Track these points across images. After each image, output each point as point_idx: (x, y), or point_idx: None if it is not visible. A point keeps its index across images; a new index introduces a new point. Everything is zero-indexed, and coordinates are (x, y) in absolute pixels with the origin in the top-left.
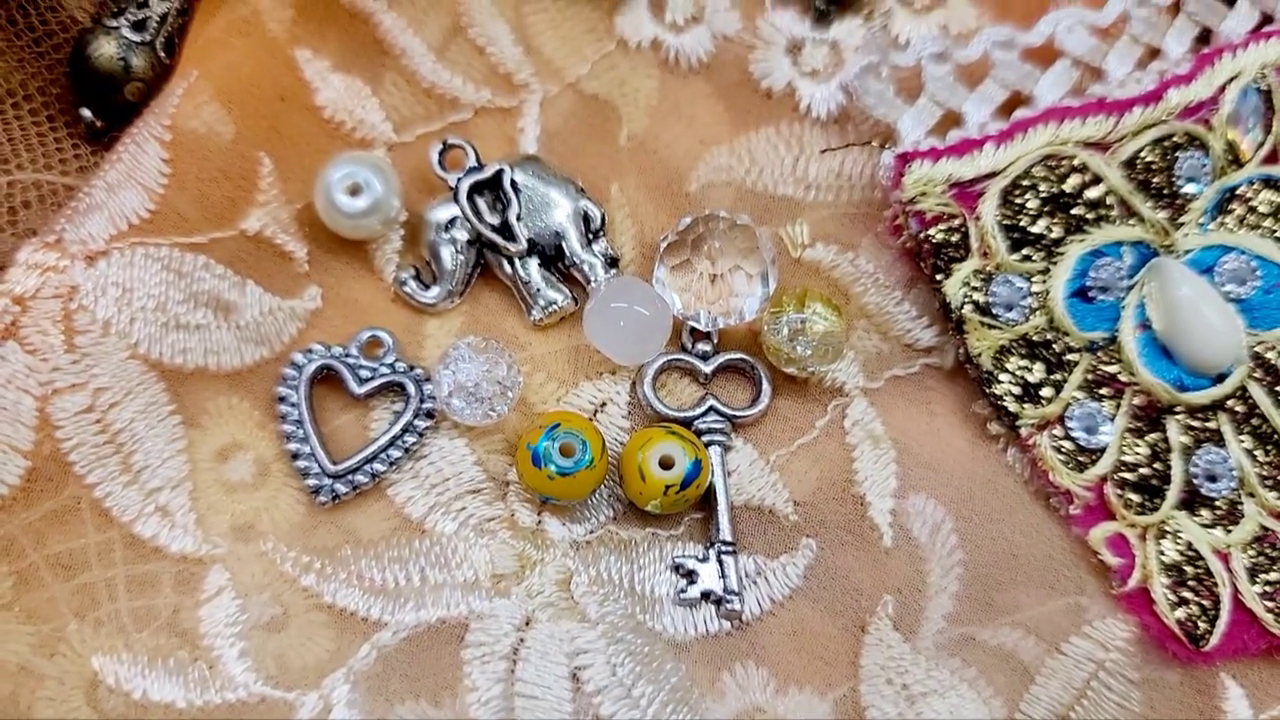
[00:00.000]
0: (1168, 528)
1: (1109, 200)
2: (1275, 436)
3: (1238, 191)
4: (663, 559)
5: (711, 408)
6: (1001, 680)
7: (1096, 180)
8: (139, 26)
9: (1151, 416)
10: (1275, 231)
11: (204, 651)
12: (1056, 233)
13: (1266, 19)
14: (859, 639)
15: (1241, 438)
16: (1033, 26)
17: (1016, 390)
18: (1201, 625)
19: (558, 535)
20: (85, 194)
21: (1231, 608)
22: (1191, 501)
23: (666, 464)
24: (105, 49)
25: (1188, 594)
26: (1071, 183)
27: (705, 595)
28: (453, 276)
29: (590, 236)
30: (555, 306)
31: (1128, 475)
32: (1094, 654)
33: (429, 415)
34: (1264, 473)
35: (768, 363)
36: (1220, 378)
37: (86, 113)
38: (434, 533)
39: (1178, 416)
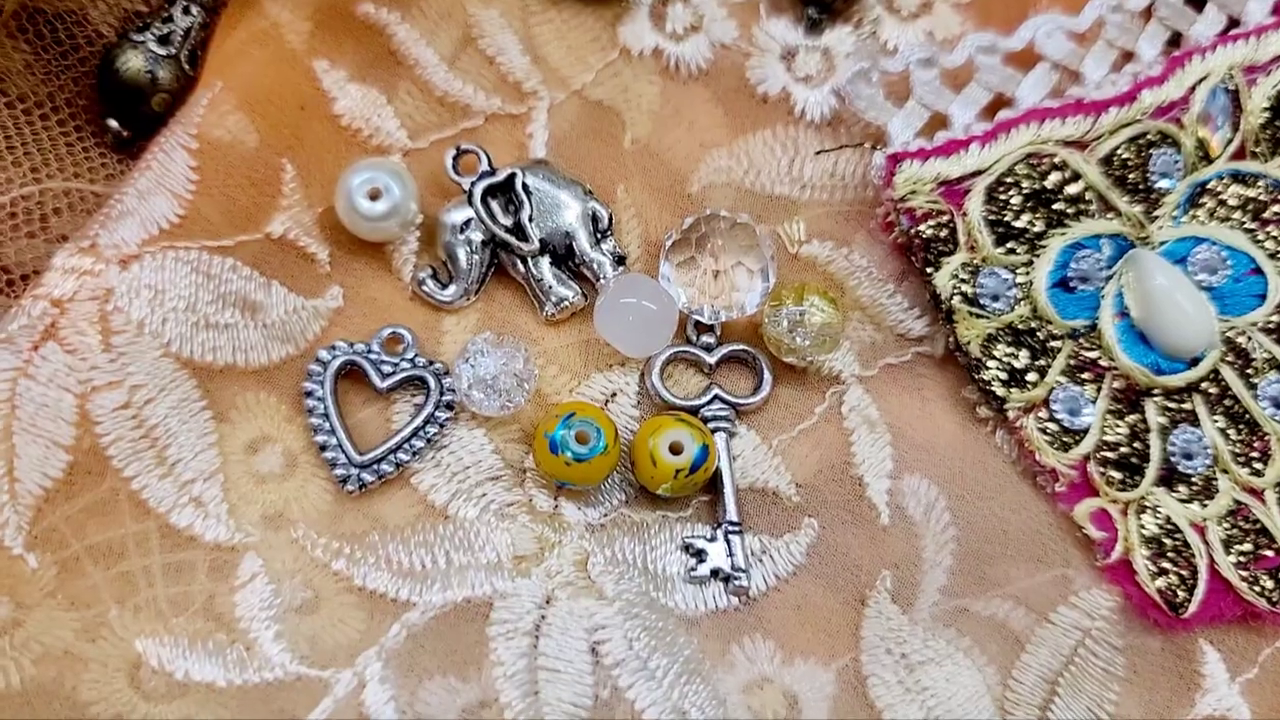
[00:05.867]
0: (1147, 503)
1: (1088, 195)
2: (1246, 416)
3: (1208, 186)
4: (673, 539)
5: (716, 396)
6: (994, 649)
7: (1076, 177)
8: (164, 40)
9: (1131, 399)
10: (1244, 223)
11: (240, 634)
12: (1039, 227)
13: (1233, 23)
14: (859, 612)
15: (1215, 418)
16: (1014, 32)
17: (1003, 376)
18: (1180, 594)
19: (574, 518)
20: (117, 200)
21: (1208, 577)
22: (1169, 478)
23: (676, 449)
24: (133, 62)
25: (1167, 565)
26: (1052, 179)
27: (714, 573)
28: (468, 275)
29: (598, 236)
30: (567, 303)
31: (1109, 454)
32: (1080, 622)
33: (449, 407)
34: (1236, 450)
35: (768, 353)
36: (1194, 361)
37: (114, 123)
38: (457, 518)
39: (1155, 398)
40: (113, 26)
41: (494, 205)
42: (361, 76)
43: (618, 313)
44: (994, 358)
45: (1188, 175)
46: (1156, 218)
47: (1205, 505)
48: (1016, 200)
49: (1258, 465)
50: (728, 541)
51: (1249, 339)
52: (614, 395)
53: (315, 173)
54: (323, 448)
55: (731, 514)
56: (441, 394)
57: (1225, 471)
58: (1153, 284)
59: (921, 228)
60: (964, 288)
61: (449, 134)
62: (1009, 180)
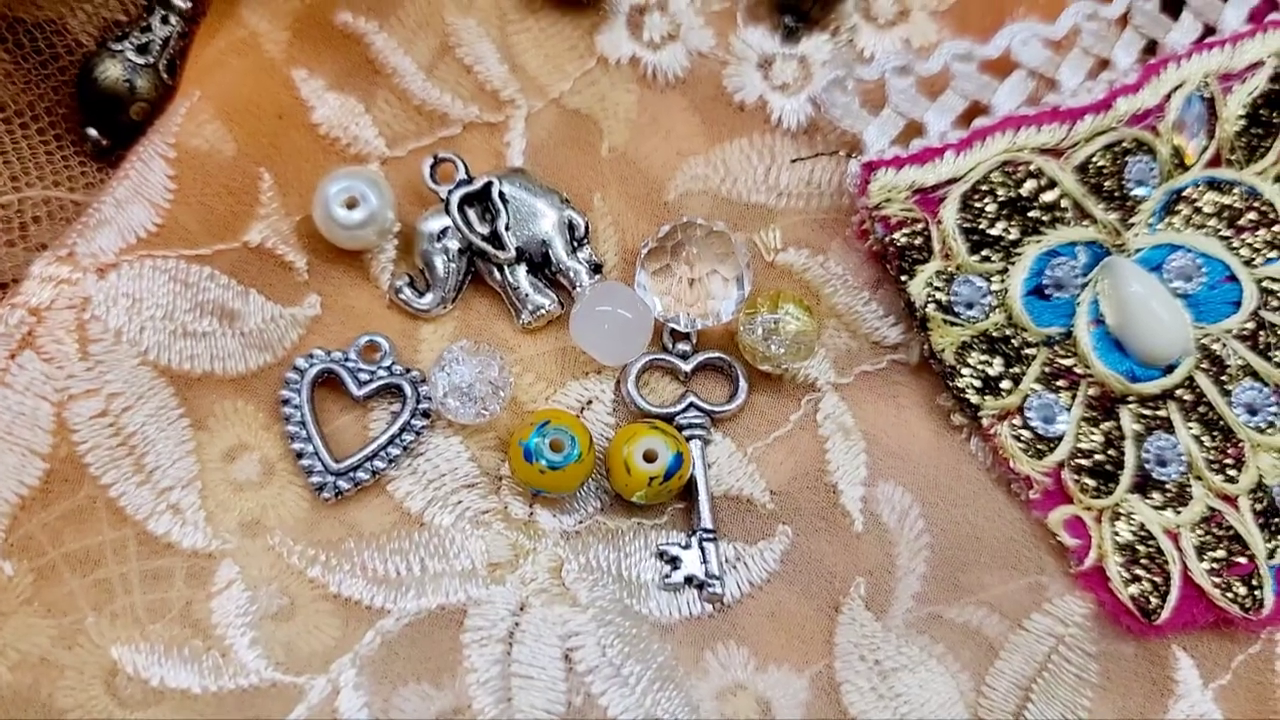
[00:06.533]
0: (1121, 510)
1: (1063, 203)
2: (1221, 423)
3: (1184, 193)
4: (648, 547)
5: (691, 404)
6: (968, 655)
7: (1051, 184)
8: (143, 49)
9: (1105, 406)
10: (1219, 230)
11: (216, 641)
12: (1014, 234)
13: (1209, 30)
14: (833, 619)
15: (1189, 424)
16: (990, 40)
17: (978, 383)
18: (1154, 600)
19: (549, 526)
20: (95, 209)
21: (1181, 584)
22: (1143, 485)
23: (650, 457)
24: (111, 71)
25: (1140, 571)
26: (1028, 187)
27: (688, 580)
28: (445, 284)
29: (575, 244)
30: (543, 311)
31: (1083, 461)
32: (1054, 629)
33: (425, 415)
34: (1210, 457)
35: (744, 361)
36: (1169, 369)
37: (93, 132)
38: (432, 525)
39: (1130, 406)
40: (92, 35)
41: (471, 214)
42: (339, 85)
43: (594, 320)
44: (969, 365)
45: (1163, 183)
46: (1132, 225)
47: (1179, 512)
48: (991, 208)
49: (1231, 472)
50: (702, 548)
51: (1224, 346)
52: (589, 403)
53: (293, 181)
54: (299, 455)
55: (706, 521)
56: (418, 402)
57: (1199, 478)
58: (1128, 291)
59: (896, 235)
60: (938, 295)
61: (427, 142)
62: (984, 188)
